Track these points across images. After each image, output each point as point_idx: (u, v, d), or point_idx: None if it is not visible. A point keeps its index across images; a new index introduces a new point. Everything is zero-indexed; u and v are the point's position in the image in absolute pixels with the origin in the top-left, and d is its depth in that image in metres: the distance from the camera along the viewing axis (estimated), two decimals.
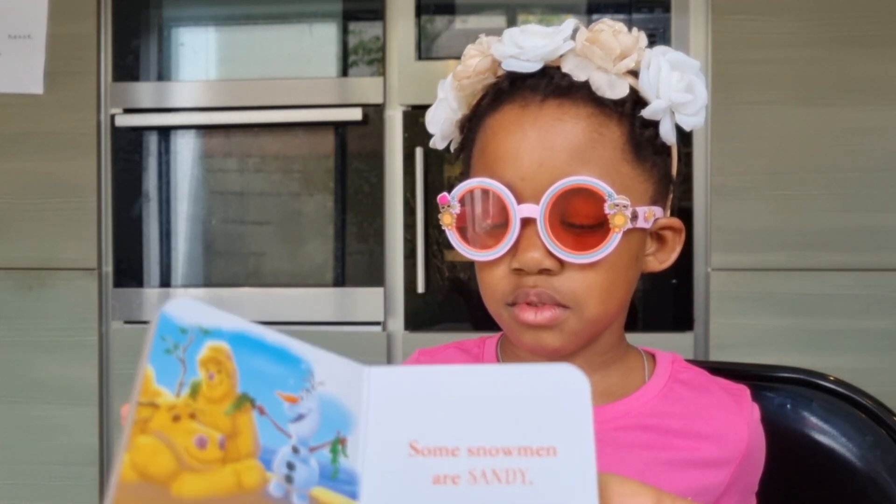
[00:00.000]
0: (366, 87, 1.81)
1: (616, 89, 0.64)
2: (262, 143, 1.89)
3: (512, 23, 1.81)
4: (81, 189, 1.84)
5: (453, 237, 0.67)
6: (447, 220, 0.67)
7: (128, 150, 1.88)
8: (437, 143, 0.74)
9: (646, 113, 0.65)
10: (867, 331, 1.62)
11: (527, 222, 0.63)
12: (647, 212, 0.65)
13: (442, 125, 0.72)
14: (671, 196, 0.71)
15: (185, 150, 1.92)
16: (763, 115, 1.66)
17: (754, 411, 0.71)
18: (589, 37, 0.65)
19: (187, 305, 0.30)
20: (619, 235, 0.62)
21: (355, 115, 1.79)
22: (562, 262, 0.63)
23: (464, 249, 0.66)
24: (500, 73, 0.68)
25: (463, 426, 0.30)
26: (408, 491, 0.29)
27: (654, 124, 0.66)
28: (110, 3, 1.86)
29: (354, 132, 1.83)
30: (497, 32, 0.69)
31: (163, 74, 1.92)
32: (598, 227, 0.62)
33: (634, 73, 0.66)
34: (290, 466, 0.29)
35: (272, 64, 1.88)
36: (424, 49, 1.80)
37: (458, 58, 0.71)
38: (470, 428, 0.30)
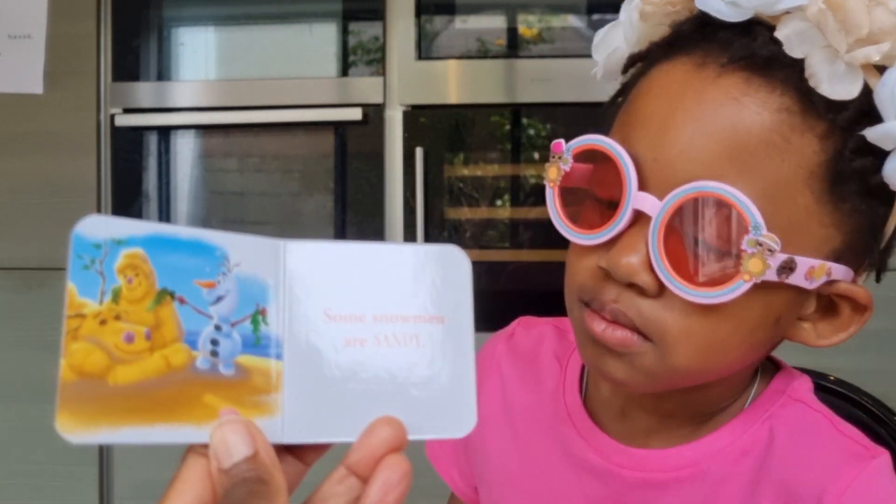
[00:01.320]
0: (366, 87, 1.80)
1: (840, 84, 0.45)
2: (261, 142, 1.89)
3: (512, 22, 1.80)
4: (81, 189, 1.84)
5: (552, 199, 0.52)
6: (552, 175, 0.52)
7: (128, 150, 1.88)
8: (598, 73, 0.57)
9: (871, 134, 0.45)
10: (867, 331, 1.61)
11: (639, 216, 0.48)
12: (816, 267, 0.47)
13: (611, 54, 0.56)
14: (870, 260, 0.52)
15: (185, 149, 1.92)
16: None
17: (877, 478, 0.52)
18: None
19: (97, 221, 0.32)
20: (748, 286, 0.45)
21: (355, 114, 1.79)
22: (662, 285, 0.47)
23: (557, 219, 0.52)
24: (695, 11, 0.51)
25: (368, 297, 0.35)
26: (324, 351, 0.34)
27: (878, 154, 0.46)
28: (110, 3, 1.86)
29: (354, 132, 1.83)
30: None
31: (163, 74, 1.92)
32: (725, 261, 0.45)
33: (878, 70, 0.46)
34: (214, 342, 0.33)
35: (272, 64, 1.87)
36: (424, 49, 1.80)
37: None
38: (374, 298, 0.35)
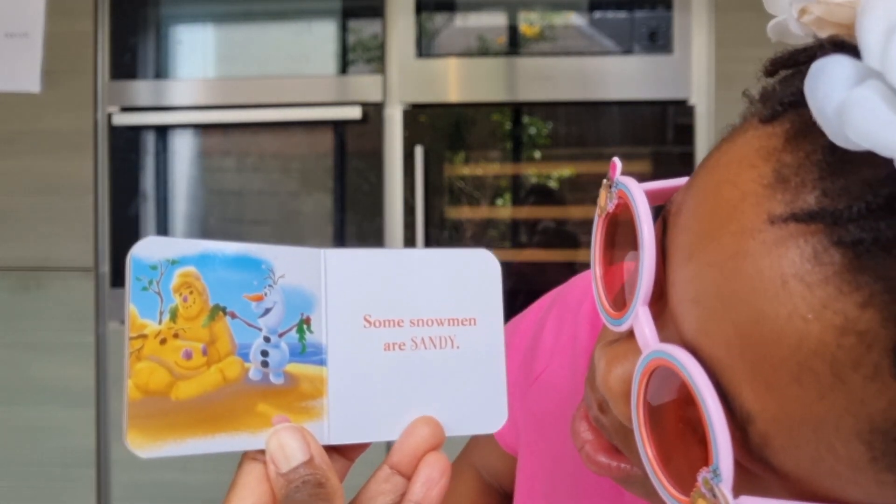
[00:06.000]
0: (365, 85, 1.79)
1: None
2: (260, 141, 1.88)
3: (513, 20, 1.79)
4: (78, 188, 1.83)
5: (596, 239, 0.38)
6: (601, 202, 0.38)
7: (125, 148, 1.87)
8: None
9: None
10: None
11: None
12: None
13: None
14: None
15: (183, 148, 1.91)
16: None
17: None
18: None
19: (152, 243, 0.33)
20: None
21: (354, 113, 1.77)
22: None
23: (593, 267, 0.38)
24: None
25: (405, 302, 0.37)
26: (364, 356, 0.36)
27: None
28: (108, 1, 1.85)
29: (353, 130, 1.82)
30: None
31: (160, 73, 1.91)
32: (688, 465, 0.31)
33: None
34: (265, 353, 0.35)
35: (271, 62, 1.86)
36: (424, 46, 1.79)
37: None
38: (411, 303, 0.37)
